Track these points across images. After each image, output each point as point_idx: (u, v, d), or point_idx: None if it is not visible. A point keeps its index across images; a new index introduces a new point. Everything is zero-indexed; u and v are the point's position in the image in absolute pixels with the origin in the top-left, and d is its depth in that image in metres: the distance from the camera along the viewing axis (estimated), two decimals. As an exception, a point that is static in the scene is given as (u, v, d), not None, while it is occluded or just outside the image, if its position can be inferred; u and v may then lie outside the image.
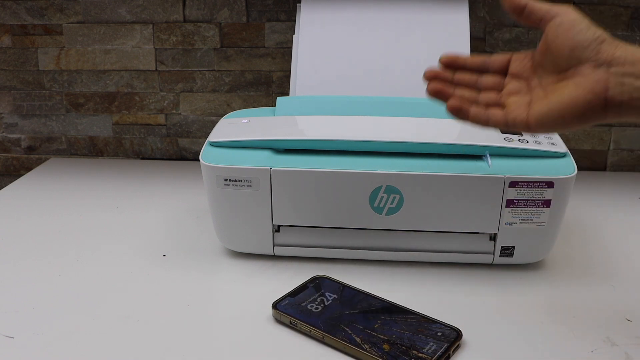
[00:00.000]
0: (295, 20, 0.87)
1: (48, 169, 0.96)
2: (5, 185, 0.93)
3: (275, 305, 0.56)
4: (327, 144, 0.62)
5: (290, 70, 0.78)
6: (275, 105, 0.71)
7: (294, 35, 0.78)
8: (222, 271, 0.65)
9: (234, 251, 0.68)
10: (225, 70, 0.98)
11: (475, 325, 0.55)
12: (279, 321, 0.56)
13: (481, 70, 0.52)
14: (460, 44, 0.76)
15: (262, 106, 0.97)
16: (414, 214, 0.62)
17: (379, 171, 0.61)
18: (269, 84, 0.98)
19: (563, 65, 0.47)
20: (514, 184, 0.60)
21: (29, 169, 1.04)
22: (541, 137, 0.64)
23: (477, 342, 0.53)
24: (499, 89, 0.51)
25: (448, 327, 0.53)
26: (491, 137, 0.63)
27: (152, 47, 0.97)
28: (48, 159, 1.04)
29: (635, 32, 0.92)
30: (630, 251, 0.70)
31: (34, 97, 1.01)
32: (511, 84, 0.51)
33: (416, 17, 0.77)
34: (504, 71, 0.52)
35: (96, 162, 1.00)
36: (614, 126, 0.97)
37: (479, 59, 0.52)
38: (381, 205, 0.62)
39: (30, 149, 1.05)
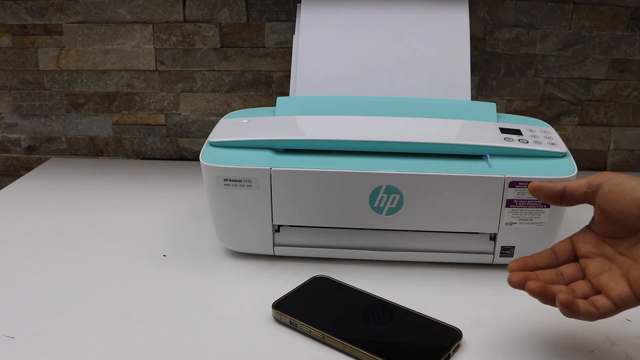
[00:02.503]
0: (295, 20, 0.87)
1: (48, 169, 0.96)
2: (5, 185, 0.93)
3: (275, 305, 0.56)
4: (327, 144, 0.62)
5: (290, 70, 0.78)
6: (275, 105, 0.71)
7: (294, 35, 0.78)
8: (222, 271, 0.65)
9: (234, 251, 0.68)
10: (225, 70, 0.98)
11: (475, 325, 0.55)
12: (279, 321, 0.56)
13: (552, 266, 0.50)
14: (460, 44, 0.76)
15: (262, 106, 0.97)
16: (414, 214, 0.62)
17: (379, 171, 0.61)
18: (269, 84, 0.98)
19: (636, 226, 0.46)
20: (514, 184, 0.60)
21: (29, 169, 1.04)
22: (541, 137, 0.64)
23: (477, 342, 0.53)
24: (580, 276, 0.49)
25: (448, 327, 0.53)
26: (491, 137, 0.63)
27: (152, 47, 0.97)
28: (48, 159, 1.04)
29: (635, 32, 0.92)
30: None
31: (34, 97, 1.01)
32: (590, 266, 0.48)
33: (416, 17, 0.77)
34: (573, 258, 0.50)
35: (96, 162, 1.00)
36: (614, 126, 0.97)
37: (546, 256, 0.50)
38: (381, 205, 0.62)
39: (30, 149, 1.05)
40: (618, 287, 0.45)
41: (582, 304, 0.46)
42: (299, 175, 0.61)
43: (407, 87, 0.75)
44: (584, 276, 0.49)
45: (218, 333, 0.54)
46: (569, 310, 0.45)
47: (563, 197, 0.49)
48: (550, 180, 0.50)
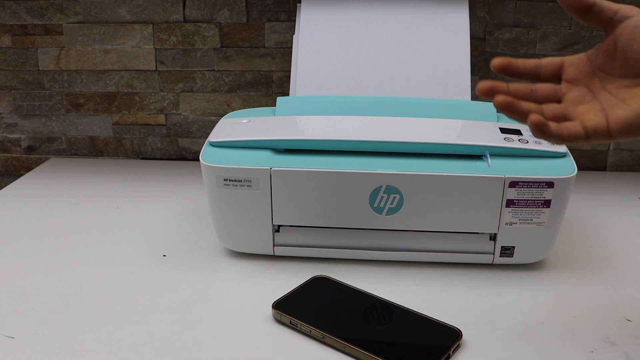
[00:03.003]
0: (295, 20, 0.87)
1: (48, 169, 0.96)
2: (5, 185, 0.93)
3: (275, 305, 0.56)
4: (327, 144, 0.62)
5: (290, 70, 0.78)
6: (275, 105, 0.71)
7: (294, 35, 0.78)
8: (222, 271, 0.65)
9: (234, 251, 0.68)
10: (225, 70, 0.98)
11: (475, 325, 0.55)
12: (279, 321, 0.56)
13: (533, 76, 0.49)
14: (460, 44, 0.76)
15: (262, 106, 0.97)
16: (414, 214, 0.62)
17: (379, 171, 0.61)
18: (269, 84, 0.98)
19: (638, 69, 0.44)
20: (514, 184, 0.60)
21: (29, 169, 1.04)
22: (541, 137, 0.64)
23: (477, 342, 0.53)
24: (555, 97, 0.48)
25: (448, 327, 0.53)
26: (491, 137, 0.63)
27: (152, 47, 0.97)
28: (48, 159, 1.04)
29: (635, 32, 0.92)
30: (631, 251, 0.70)
31: (34, 97, 1.01)
32: (572, 92, 0.47)
33: (416, 17, 0.77)
34: (556, 77, 0.48)
35: (96, 162, 1.00)
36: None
37: (532, 64, 0.48)
38: (381, 205, 0.62)
39: (30, 149, 1.05)
40: (595, 118, 0.44)
41: (553, 126, 0.44)
42: (299, 175, 0.61)
43: (407, 87, 0.75)
44: (559, 100, 0.47)
45: (218, 333, 0.54)
46: (540, 131, 0.44)
47: (589, 12, 0.46)
48: None
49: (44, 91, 1.01)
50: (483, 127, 0.66)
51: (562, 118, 0.46)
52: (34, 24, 0.97)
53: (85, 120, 1.02)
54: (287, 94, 0.80)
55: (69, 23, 0.96)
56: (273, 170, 0.61)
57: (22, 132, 1.04)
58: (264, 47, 0.96)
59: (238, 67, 0.97)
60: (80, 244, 0.71)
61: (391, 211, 0.62)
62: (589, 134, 0.44)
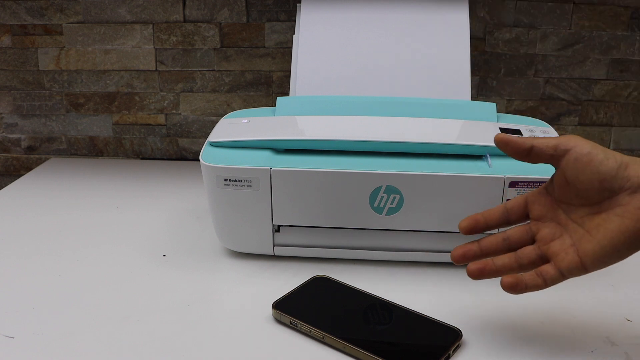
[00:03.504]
0: (295, 20, 0.87)
1: (48, 169, 0.96)
2: (5, 185, 0.93)
3: (275, 305, 0.56)
4: (327, 144, 0.62)
5: (290, 70, 0.78)
6: (275, 105, 0.71)
7: (294, 35, 0.78)
8: (222, 271, 0.65)
9: (234, 251, 0.68)
10: (225, 70, 0.98)
11: (475, 325, 0.55)
12: (279, 321, 0.56)
13: (503, 225, 0.50)
14: (460, 44, 0.76)
15: (262, 106, 0.97)
16: (414, 214, 0.62)
17: (379, 171, 0.61)
18: (269, 84, 0.98)
19: (594, 198, 0.46)
20: (514, 184, 0.60)
21: (29, 169, 1.04)
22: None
23: (477, 342, 0.53)
24: (529, 239, 0.49)
25: (448, 327, 0.53)
26: (491, 137, 0.63)
27: (152, 47, 0.97)
28: (48, 159, 1.04)
29: (636, 32, 0.92)
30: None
31: (34, 97, 1.01)
32: (542, 230, 0.48)
33: (416, 17, 0.77)
34: (525, 217, 0.50)
35: (96, 162, 1.00)
36: (614, 126, 0.97)
37: (497, 213, 0.50)
38: (381, 205, 0.62)
39: (30, 149, 1.05)
40: (568, 257, 0.46)
41: (528, 279, 0.46)
42: (299, 175, 0.61)
43: (407, 87, 0.75)
44: (533, 240, 0.49)
45: (218, 333, 0.54)
46: (514, 290, 0.46)
47: (529, 155, 0.48)
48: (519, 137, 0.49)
49: (44, 91, 1.01)
50: (483, 127, 0.66)
51: (539, 261, 0.48)
52: (34, 24, 0.97)
53: (85, 120, 1.02)
54: (287, 94, 0.80)
55: (69, 23, 0.96)
56: (273, 170, 0.61)
57: (22, 132, 1.04)
58: (264, 47, 0.96)
59: (238, 67, 0.97)
60: (80, 244, 0.71)
61: (391, 211, 0.62)
62: (565, 274, 0.46)
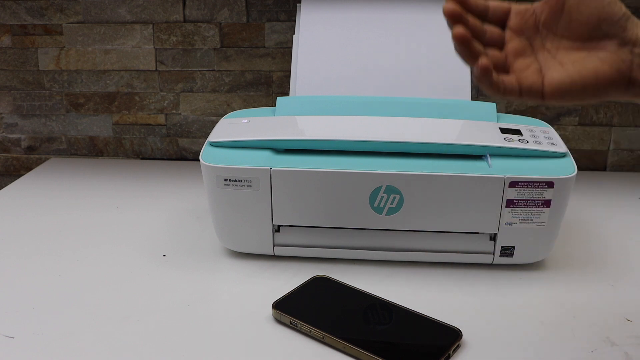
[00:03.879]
0: (295, 20, 0.87)
1: (48, 169, 0.96)
2: (5, 185, 0.93)
3: (275, 305, 0.56)
4: (327, 144, 0.62)
5: (290, 70, 0.78)
6: (275, 105, 0.71)
7: (294, 35, 0.78)
8: (222, 271, 0.65)
9: (234, 251, 0.68)
10: (225, 70, 0.98)
11: (475, 325, 0.55)
12: (279, 321, 0.56)
13: (480, 17, 0.48)
14: (460, 44, 0.76)
15: (262, 106, 0.97)
16: (414, 214, 0.62)
17: (379, 171, 0.61)
18: (269, 84, 0.98)
19: (583, 34, 0.44)
20: (514, 184, 0.60)
21: (29, 169, 1.04)
22: (541, 137, 0.64)
23: (477, 342, 0.53)
24: (500, 44, 0.47)
25: (448, 327, 0.53)
26: (491, 137, 0.63)
27: (152, 47, 0.97)
28: (48, 159, 1.04)
29: (635, 32, 0.92)
30: (630, 251, 0.70)
31: (34, 97, 1.01)
32: (513, 42, 0.47)
33: (416, 17, 0.77)
34: (502, 23, 0.48)
35: (96, 162, 1.00)
36: (614, 126, 0.97)
37: (482, 5, 0.48)
38: (381, 205, 0.62)
39: (30, 149, 1.05)
40: (530, 79, 0.44)
41: (494, 77, 0.45)
42: (299, 175, 0.61)
43: (407, 87, 0.75)
44: (501, 47, 0.47)
45: (218, 333, 0.54)
46: (485, 77, 0.45)
47: None
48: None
49: (44, 91, 1.01)
50: (483, 127, 0.66)
51: (502, 68, 0.46)
52: (34, 24, 0.97)
53: (85, 120, 1.02)
54: (287, 94, 0.80)
55: (69, 23, 0.96)
56: (273, 170, 0.61)
57: (22, 132, 1.04)
58: (264, 47, 0.96)
59: (238, 67, 0.97)
60: (80, 244, 0.71)
61: (391, 211, 0.62)
62: (523, 92, 0.45)
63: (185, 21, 0.95)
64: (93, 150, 1.04)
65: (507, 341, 0.53)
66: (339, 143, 0.62)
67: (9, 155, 1.05)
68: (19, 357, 0.51)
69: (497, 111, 0.70)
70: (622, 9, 0.43)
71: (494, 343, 0.53)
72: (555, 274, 0.65)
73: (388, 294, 0.59)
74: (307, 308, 0.56)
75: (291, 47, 0.80)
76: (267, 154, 0.62)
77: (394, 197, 0.61)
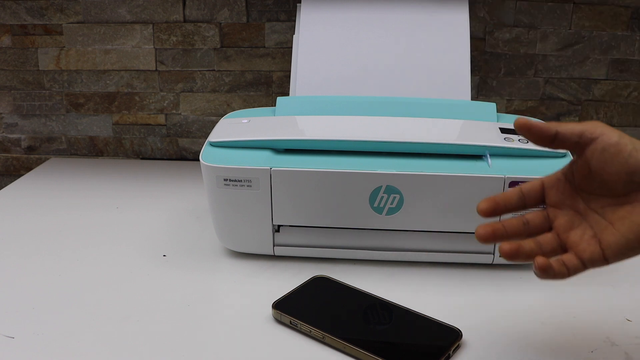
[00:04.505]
0: (295, 20, 0.87)
1: (48, 169, 0.96)
2: (5, 185, 0.93)
3: (275, 305, 0.56)
4: (327, 144, 0.62)
5: (290, 70, 0.78)
6: (275, 105, 0.71)
7: (294, 35, 0.78)
8: (222, 271, 0.65)
9: (234, 251, 0.68)
10: (225, 70, 0.98)
11: (475, 325, 0.55)
12: (279, 321, 0.56)
13: (519, 209, 0.48)
14: (460, 44, 0.76)
15: (262, 106, 0.97)
16: (414, 214, 0.62)
17: (379, 171, 0.61)
18: (269, 84, 0.98)
19: (619, 190, 0.44)
20: (514, 184, 0.60)
21: (29, 169, 1.04)
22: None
23: (477, 342, 0.53)
24: (547, 225, 0.47)
25: (448, 327, 0.53)
26: (491, 137, 0.63)
27: (152, 47, 0.97)
28: (48, 159, 1.04)
29: (635, 32, 0.92)
30: (630, 251, 0.70)
31: (34, 97, 1.01)
32: (559, 218, 0.47)
33: (416, 17, 0.77)
34: (541, 202, 0.48)
35: (96, 162, 1.00)
36: (614, 126, 0.97)
37: (515, 197, 0.48)
38: (381, 205, 0.62)
39: (30, 149, 1.05)
40: (590, 248, 0.44)
41: (555, 265, 0.44)
42: (299, 175, 0.61)
43: (407, 87, 0.75)
44: (550, 227, 0.47)
45: (218, 333, 0.54)
46: (545, 273, 0.44)
47: (553, 142, 0.46)
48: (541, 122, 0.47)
49: (44, 91, 1.01)
50: (483, 127, 0.66)
51: (559, 249, 0.46)
52: (34, 24, 0.97)
53: (85, 120, 1.02)
54: (287, 94, 0.80)
55: (69, 23, 0.96)
56: (273, 170, 0.61)
57: (22, 132, 1.04)
58: (264, 47, 0.96)
59: (238, 67, 0.97)
60: (80, 244, 0.71)
61: (391, 211, 0.62)
62: (587, 265, 0.45)
63: (185, 21, 0.95)
64: (93, 150, 1.04)
65: (507, 341, 0.53)
66: (339, 143, 0.62)
67: (9, 155, 1.05)
68: (19, 357, 0.51)
69: (497, 111, 0.70)
70: None
71: (494, 343, 0.53)
72: (555, 274, 0.65)
73: (388, 294, 0.59)
74: (307, 308, 0.56)
75: (291, 47, 0.80)
76: (267, 154, 0.62)
77: (394, 197, 0.61)
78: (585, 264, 0.45)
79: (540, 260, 0.44)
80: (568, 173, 0.48)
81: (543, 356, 0.51)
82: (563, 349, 0.52)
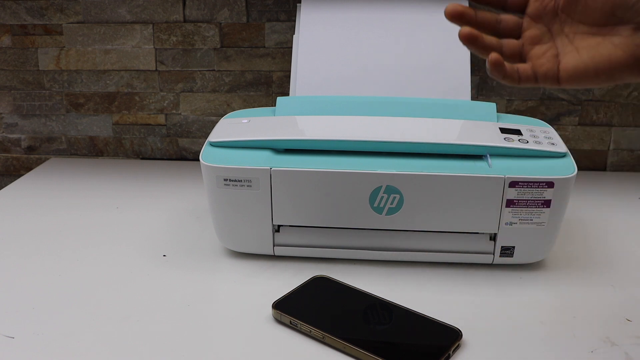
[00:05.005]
0: (295, 20, 0.87)
1: (48, 169, 0.96)
2: (5, 185, 0.93)
3: (275, 305, 0.56)
4: (327, 144, 0.62)
5: (290, 70, 0.78)
6: (275, 105, 0.71)
7: (294, 35, 0.78)
8: (222, 271, 0.65)
9: (234, 251, 0.68)
10: (225, 70, 0.98)
11: (475, 325, 0.55)
12: (279, 321, 0.56)
13: (500, 6, 0.48)
14: (460, 44, 0.76)
15: (262, 106, 0.97)
16: (414, 214, 0.62)
17: (379, 171, 0.61)
18: (269, 84, 0.98)
19: (599, 20, 0.44)
20: (514, 184, 0.60)
21: (29, 169, 1.04)
22: (541, 137, 0.64)
23: (477, 342, 0.53)
24: (517, 32, 0.48)
25: (448, 327, 0.53)
26: (491, 137, 0.63)
27: (152, 47, 0.97)
28: (48, 159, 1.04)
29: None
30: (631, 251, 0.70)
31: (34, 97, 1.01)
32: (532, 29, 0.47)
33: (416, 17, 0.77)
34: (522, 9, 0.48)
35: (96, 162, 1.00)
36: (614, 126, 0.97)
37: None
38: (381, 205, 0.62)
39: (30, 149, 1.05)
40: (547, 64, 0.45)
41: (508, 67, 0.45)
42: (299, 175, 0.61)
43: (407, 87, 0.75)
44: (519, 35, 0.48)
45: (218, 333, 0.54)
46: (497, 70, 0.45)
47: None
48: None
49: (44, 91, 1.01)
50: (483, 127, 0.66)
51: (518, 57, 0.47)
52: (34, 24, 0.97)
53: (85, 120, 1.02)
54: (287, 94, 0.80)
55: (69, 23, 0.96)
56: (273, 170, 0.61)
57: (22, 132, 1.04)
58: (264, 47, 0.96)
59: (238, 67, 0.97)
60: (80, 244, 0.71)
61: (391, 211, 0.62)
62: (539, 79, 0.45)
63: (185, 21, 0.95)
64: (93, 150, 1.04)
65: (507, 341, 0.53)
66: (339, 143, 0.62)
67: (9, 155, 1.05)
68: (19, 357, 0.51)
69: (497, 111, 0.70)
70: None
71: (494, 343, 0.53)
72: (555, 274, 0.65)
73: (388, 294, 0.59)
74: (307, 308, 0.56)
75: (291, 47, 0.80)
76: (267, 154, 0.62)
77: (394, 197, 0.61)
78: (537, 79, 0.46)
79: (494, 55, 0.45)
80: None
81: (543, 356, 0.51)
82: (563, 349, 0.52)
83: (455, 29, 0.77)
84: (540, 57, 0.46)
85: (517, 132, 0.65)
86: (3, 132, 1.04)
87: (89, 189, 0.88)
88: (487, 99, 0.97)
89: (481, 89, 0.96)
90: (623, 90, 0.96)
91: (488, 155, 0.62)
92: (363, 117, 0.67)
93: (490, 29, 0.48)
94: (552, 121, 0.97)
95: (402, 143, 0.62)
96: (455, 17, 0.46)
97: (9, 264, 0.66)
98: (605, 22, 0.44)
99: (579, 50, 0.45)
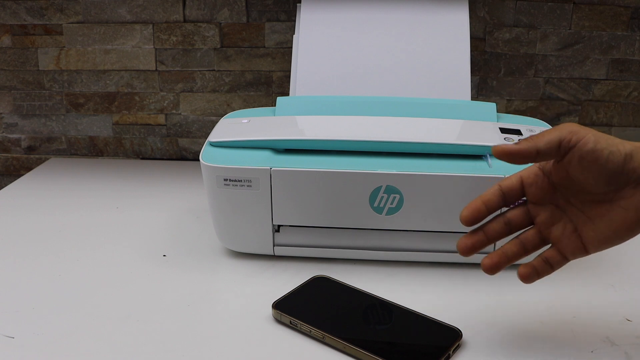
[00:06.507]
0: (295, 20, 0.87)
1: (48, 169, 0.96)
2: (5, 185, 0.93)
3: (275, 305, 0.56)
4: (327, 144, 0.62)
5: (290, 70, 0.78)
6: (275, 105, 0.71)
7: (294, 35, 0.78)
8: (222, 271, 0.65)
9: (234, 251, 0.68)
10: (225, 70, 0.98)
11: (475, 325, 0.55)
12: (279, 321, 0.56)
13: (501, 207, 0.49)
14: (460, 44, 0.76)
15: (262, 106, 0.97)
16: (414, 214, 0.62)
17: (379, 171, 0.61)
18: (269, 84, 0.98)
19: (600, 189, 0.45)
20: (514, 184, 0.60)
21: (29, 169, 1.04)
22: (541, 137, 0.64)
23: (477, 342, 0.53)
24: (528, 221, 0.49)
25: (448, 327, 0.53)
26: (491, 137, 0.63)
27: (152, 47, 0.97)
28: (48, 159, 1.04)
29: (635, 32, 0.92)
30: (631, 251, 0.70)
31: (34, 97, 1.01)
32: (541, 214, 0.48)
33: (416, 17, 0.77)
34: (521, 197, 0.49)
35: (96, 162, 1.00)
36: (614, 126, 0.97)
37: (495, 197, 0.48)
38: (381, 205, 0.62)
39: (30, 149, 1.05)
40: (572, 246, 0.47)
41: (538, 266, 0.48)
42: (299, 175, 0.61)
43: (407, 87, 0.75)
44: (531, 222, 0.49)
45: (218, 333, 0.54)
46: (529, 280, 0.48)
47: (535, 158, 0.46)
48: (516, 143, 0.47)
49: (44, 91, 1.01)
50: (483, 127, 0.66)
51: (541, 244, 0.49)
52: (34, 24, 0.97)
53: (85, 120, 1.02)
54: (287, 94, 0.80)
55: (69, 23, 0.96)
56: (273, 170, 0.61)
57: (22, 132, 1.04)
58: (264, 47, 0.96)
59: (238, 67, 0.97)
60: (80, 244, 0.71)
61: (391, 211, 0.62)
62: (569, 258, 0.48)
63: (185, 21, 0.95)
64: (93, 150, 1.04)
65: (507, 341, 0.53)
66: (339, 143, 0.62)
67: (9, 155, 1.05)
68: (19, 357, 0.51)
69: (497, 111, 0.70)
70: (621, 153, 0.43)
71: (494, 343, 0.53)
72: (555, 274, 0.64)
73: (388, 294, 0.59)
74: (307, 308, 0.56)
75: (291, 47, 0.80)
76: (267, 154, 0.62)
77: (394, 197, 0.61)
78: (567, 257, 0.48)
79: (522, 271, 0.48)
80: (546, 169, 0.48)
81: (543, 356, 0.51)
82: (563, 349, 0.52)
83: (455, 29, 0.78)
84: (562, 238, 0.48)
85: (517, 132, 0.65)
86: (3, 132, 1.04)
87: (89, 189, 0.88)
88: (487, 99, 0.97)
89: (481, 89, 0.96)
90: (623, 90, 0.96)
91: (488, 155, 0.62)
92: (363, 117, 0.67)
93: (503, 235, 0.49)
94: (552, 121, 0.97)
95: (402, 143, 0.62)
96: (468, 252, 0.48)
97: (9, 264, 0.66)
98: (606, 191, 0.45)
99: (594, 220, 0.46)
